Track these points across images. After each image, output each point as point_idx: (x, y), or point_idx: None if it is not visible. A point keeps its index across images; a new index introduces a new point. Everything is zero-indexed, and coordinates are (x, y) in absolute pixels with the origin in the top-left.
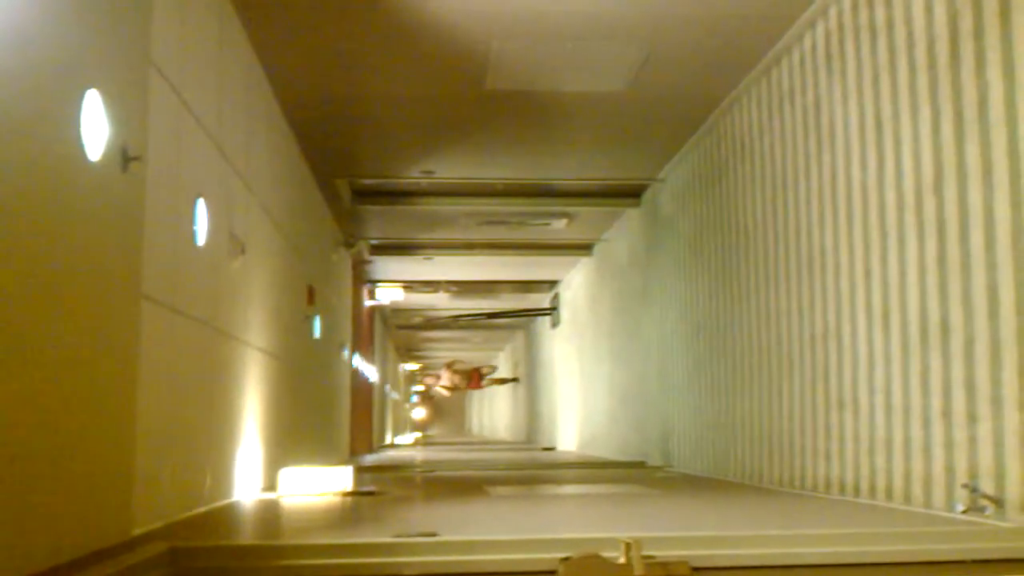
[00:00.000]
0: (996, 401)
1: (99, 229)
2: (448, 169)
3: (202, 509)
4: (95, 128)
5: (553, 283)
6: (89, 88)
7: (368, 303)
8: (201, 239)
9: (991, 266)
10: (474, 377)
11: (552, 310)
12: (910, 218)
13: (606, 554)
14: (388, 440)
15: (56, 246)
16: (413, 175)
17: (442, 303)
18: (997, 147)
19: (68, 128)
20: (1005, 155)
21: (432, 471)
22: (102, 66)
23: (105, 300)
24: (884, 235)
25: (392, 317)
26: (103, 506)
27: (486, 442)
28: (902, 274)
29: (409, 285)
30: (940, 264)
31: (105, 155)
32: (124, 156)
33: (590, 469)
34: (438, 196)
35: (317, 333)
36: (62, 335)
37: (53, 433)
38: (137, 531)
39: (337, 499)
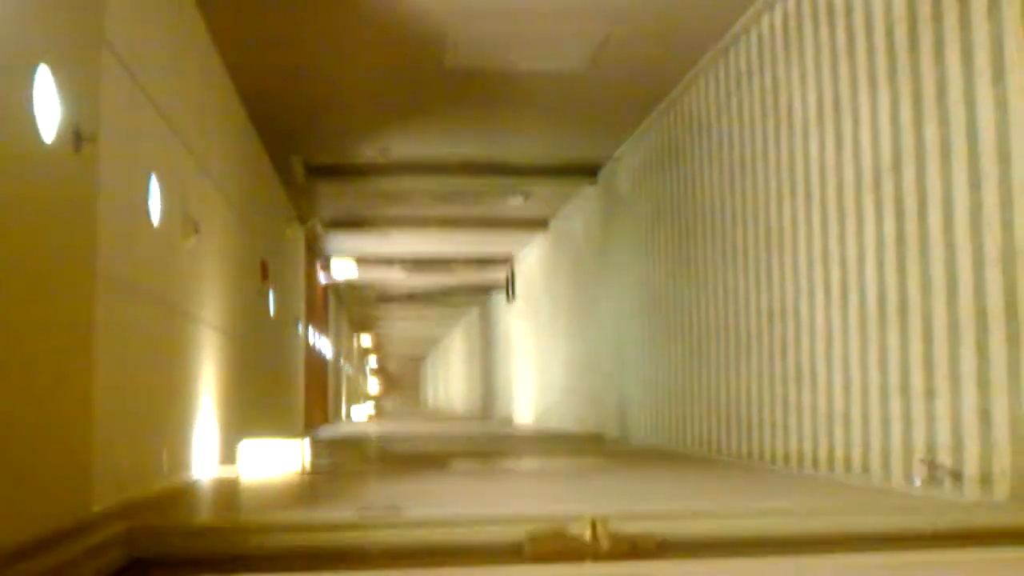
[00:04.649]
0: (954, 378)
1: (53, 210)
2: (404, 146)
3: (161, 486)
4: (47, 108)
5: (508, 259)
6: (39, 65)
7: (322, 278)
8: (155, 219)
9: (949, 246)
10: None
11: (508, 285)
12: (868, 198)
13: (572, 530)
14: (343, 414)
15: (9, 228)
16: (368, 153)
17: (397, 278)
18: (956, 129)
19: (20, 109)
20: (963, 136)
21: (390, 445)
22: (53, 44)
23: (60, 282)
24: (842, 215)
25: (346, 292)
26: (62, 485)
27: (442, 415)
28: (860, 254)
29: (363, 260)
30: (898, 244)
31: (58, 136)
32: (77, 137)
33: (550, 443)
34: (393, 173)
35: (271, 309)
36: (16, 318)
37: (11, 413)
38: (96, 509)
39: (296, 475)
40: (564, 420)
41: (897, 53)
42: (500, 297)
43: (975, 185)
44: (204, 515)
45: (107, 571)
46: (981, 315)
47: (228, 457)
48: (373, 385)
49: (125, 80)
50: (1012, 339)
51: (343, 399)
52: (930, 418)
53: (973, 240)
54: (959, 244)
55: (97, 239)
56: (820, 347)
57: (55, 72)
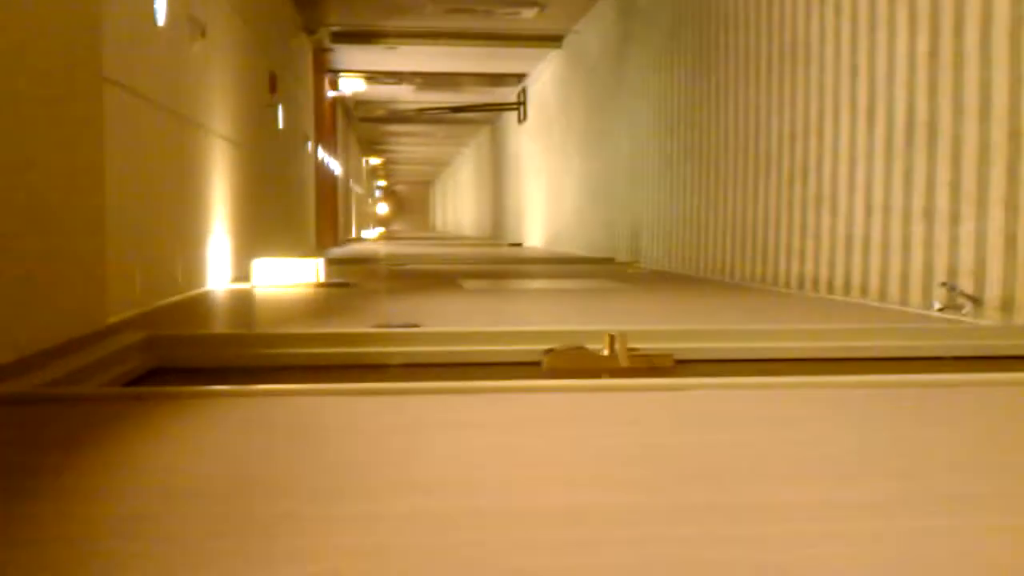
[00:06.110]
0: (981, 202)
1: (54, 3)
2: None
3: (176, 298)
4: None
5: (521, 76)
6: None
7: (330, 94)
8: (161, 19)
9: (985, 63)
10: None
11: (519, 105)
12: (902, 9)
13: (590, 346)
14: (353, 235)
15: (9, 22)
16: None
17: (406, 96)
18: None
19: None
20: None
21: (402, 264)
22: None
23: (65, 83)
24: (873, 28)
25: (355, 109)
26: (77, 295)
27: (451, 237)
28: (890, 69)
29: (372, 76)
30: (931, 60)
31: None
32: None
33: (561, 265)
34: None
35: (280, 123)
36: (25, 125)
37: (21, 224)
38: (112, 319)
39: (311, 290)
40: (575, 244)
41: None
42: (511, 117)
43: None
44: (222, 326)
45: (125, 378)
46: (1015, 136)
47: (241, 272)
48: (382, 208)
49: None
50: None
51: (353, 220)
52: (953, 243)
53: (1012, 57)
54: (995, 61)
55: (103, 38)
56: (843, 168)
57: None
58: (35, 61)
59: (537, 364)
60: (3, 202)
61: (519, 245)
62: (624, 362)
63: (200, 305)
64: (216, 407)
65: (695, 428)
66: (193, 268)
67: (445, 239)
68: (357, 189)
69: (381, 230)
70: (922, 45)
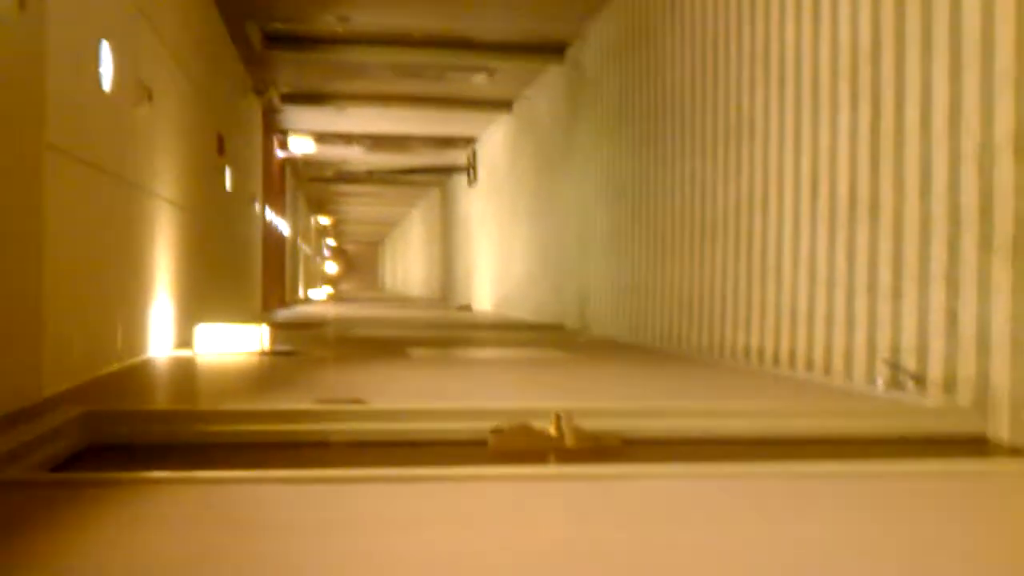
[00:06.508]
0: (923, 278)
1: None
2: (365, 15)
3: (115, 367)
4: None
5: (470, 140)
6: None
7: (279, 154)
8: (107, 85)
9: (925, 140)
10: None
11: (469, 167)
12: (844, 86)
13: (537, 424)
14: (300, 295)
15: None
16: (328, 21)
17: (355, 157)
18: (938, 15)
19: None
20: (946, 24)
21: (349, 330)
22: None
23: (6, 150)
24: (816, 104)
25: (304, 169)
26: (11, 367)
27: (400, 299)
28: (833, 145)
29: (322, 137)
30: (873, 135)
31: None
32: None
33: (511, 331)
34: (354, 44)
35: (228, 185)
36: None
37: None
38: (49, 392)
39: (254, 359)
40: (523, 309)
41: None
42: (461, 179)
43: (955, 75)
44: (161, 400)
45: (61, 457)
46: (954, 213)
47: (185, 337)
48: (331, 267)
49: None
50: (984, 240)
51: (301, 280)
52: (896, 318)
53: (951, 134)
54: (936, 137)
55: (45, 106)
56: (787, 241)
57: None
58: None
59: (484, 443)
60: None
61: (468, 308)
62: (571, 442)
63: (140, 374)
64: (152, 496)
65: (644, 523)
66: (134, 335)
67: (393, 301)
68: (306, 249)
69: (330, 290)
70: (864, 121)
